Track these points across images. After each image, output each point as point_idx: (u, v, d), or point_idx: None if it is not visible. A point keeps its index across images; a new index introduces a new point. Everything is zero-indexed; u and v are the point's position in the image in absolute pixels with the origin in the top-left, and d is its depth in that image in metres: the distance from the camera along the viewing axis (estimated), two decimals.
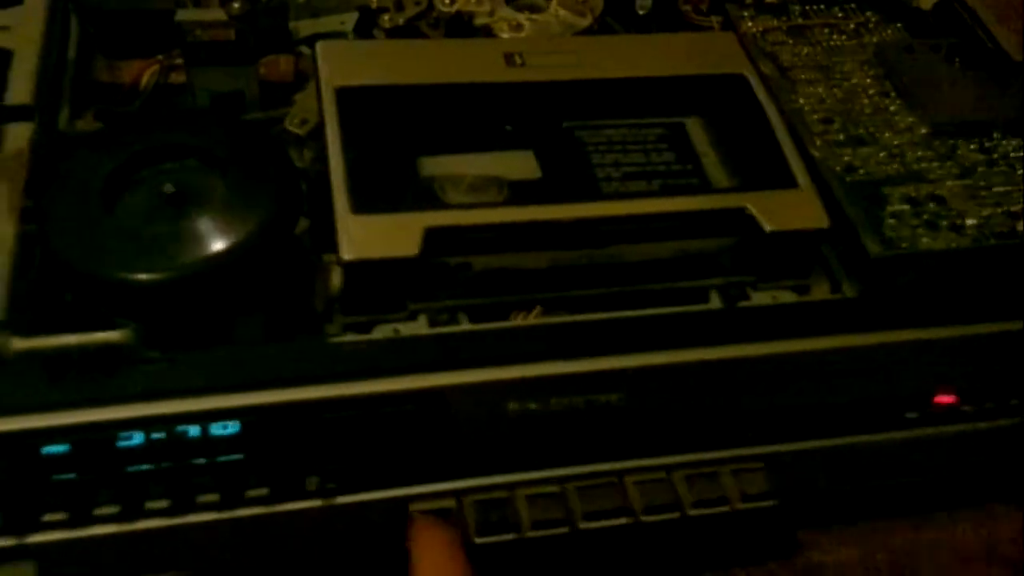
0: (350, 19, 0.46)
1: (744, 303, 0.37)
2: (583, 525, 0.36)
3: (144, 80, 0.41)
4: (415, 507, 0.35)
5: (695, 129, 0.40)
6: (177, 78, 0.41)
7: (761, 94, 0.41)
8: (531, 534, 0.35)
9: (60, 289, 0.34)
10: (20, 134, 0.35)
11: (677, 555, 0.40)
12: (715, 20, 0.49)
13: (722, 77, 0.41)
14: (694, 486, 0.37)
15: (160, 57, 0.41)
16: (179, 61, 0.41)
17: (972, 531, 0.42)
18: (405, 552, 0.35)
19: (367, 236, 0.34)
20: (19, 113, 0.35)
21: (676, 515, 0.36)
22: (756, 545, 0.41)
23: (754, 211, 0.37)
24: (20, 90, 0.36)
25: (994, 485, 0.43)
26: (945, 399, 0.39)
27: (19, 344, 0.29)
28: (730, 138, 0.40)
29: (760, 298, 0.38)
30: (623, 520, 0.36)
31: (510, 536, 0.35)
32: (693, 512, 0.36)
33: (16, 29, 0.38)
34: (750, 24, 0.47)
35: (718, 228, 0.37)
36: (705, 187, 0.38)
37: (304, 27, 0.46)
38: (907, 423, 0.39)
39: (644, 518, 0.36)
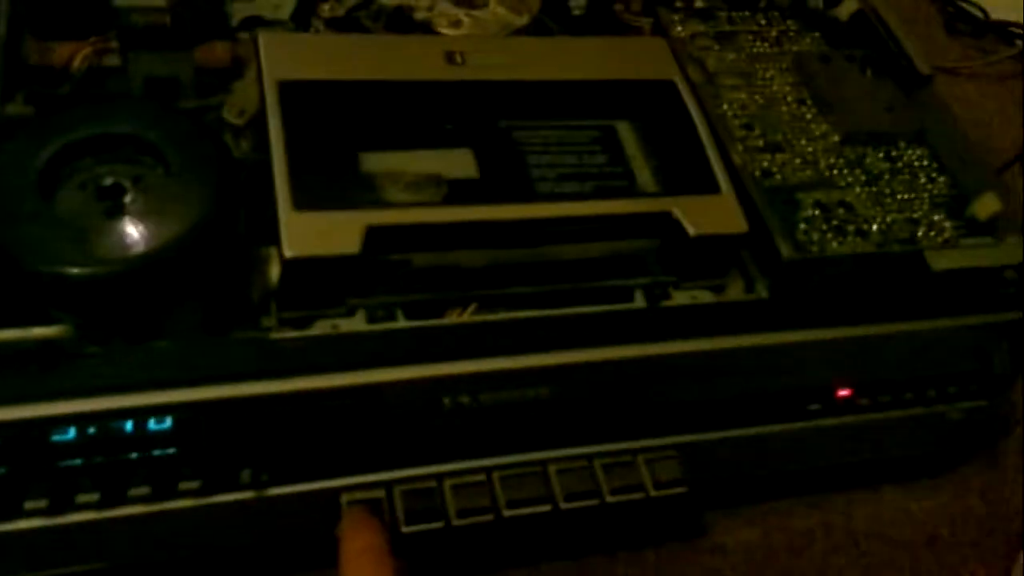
0: (286, 4, 0.46)
1: (666, 302, 0.39)
2: (507, 513, 0.37)
3: (76, 63, 0.40)
4: (347, 497, 0.36)
5: (625, 132, 0.42)
6: (110, 61, 0.41)
7: (689, 100, 0.43)
8: (457, 522, 0.37)
9: None
10: None
11: (594, 537, 0.42)
12: (646, 22, 0.50)
13: (652, 83, 0.43)
14: (612, 474, 0.39)
15: (93, 39, 0.40)
16: (113, 44, 0.40)
17: (865, 512, 0.46)
18: (336, 542, 0.36)
19: (309, 233, 0.34)
20: None
21: (596, 502, 0.38)
22: (667, 527, 0.43)
23: (679, 215, 0.39)
24: None
25: (886, 470, 0.47)
26: (845, 392, 0.42)
27: None
28: (658, 142, 0.41)
29: (681, 297, 0.40)
30: (545, 507, 0.38)
31: (437, 524, 0.36)
32: (611, 499, 0.38)
33: None
34: (679, 29, 0.49)
35: (645, 231, 0.39)
36: (634, 190, 0.40)
37: (239, 9, 0.46)
38: (810, 414, 0.42)
39: (565, 505, 0.38)
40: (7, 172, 0.33)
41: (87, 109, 0.36)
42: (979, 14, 0.74)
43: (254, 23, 0.45)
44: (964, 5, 0.74)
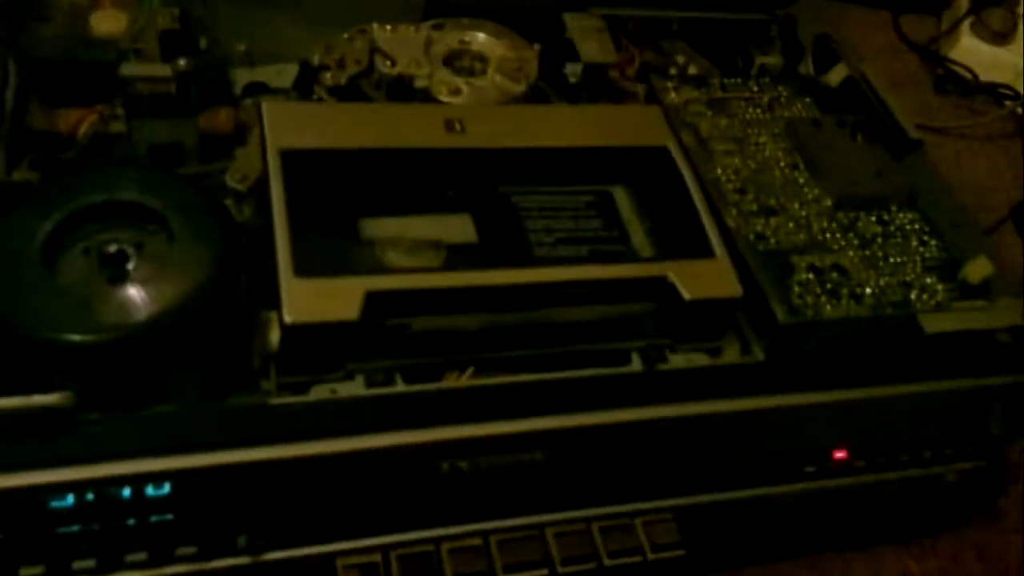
0: (288, 71, 0.47)
1: (662, 365, 0.40)
2: None
3: (82, 129, 0.41)
4: (342, 562, 0.36)
5: (621, 197, 0.43)
6: (115, 127, 0.42)
7: (682, 166, 0.44)
8: None
9: None
10: None
11: None
12: (641, 88, 0.51)
13: (647, 149, 0.44)
14: (609, 537, 0.39)
15: (99, 107, 0.41)
16: (119, 111, 0.41)
17: (863, 574, 0.46)
18: None
19: (309, 299, 0.35)
20: None
21: (593, 565, 0.38)
22: None
23: (674, 280, 0.39)
24: None
25: (880, 529, 0.47)
26: (842, 454, 0.43)
27: None
28: (653, 207, 0.42)
29: (677, 360, 0.40)
30: (542, 572, 0.38)
31: None
32: (609, 563, 0.38)
33: None
34: (673, 96, 0.50)
35: (641, 295, 0.40)
36: (629, 254, 0.40)
37: (242, 75, 0.47)
38: (806, 476, 0.42)
39: (562, 569, 0.38)
40: (12, 239, 0.34)
41: (91, 176, 0.37)
42: (968, 75, 0.75)
43: (257, 90, 0.46)
44: (953, 67, 0.76)
